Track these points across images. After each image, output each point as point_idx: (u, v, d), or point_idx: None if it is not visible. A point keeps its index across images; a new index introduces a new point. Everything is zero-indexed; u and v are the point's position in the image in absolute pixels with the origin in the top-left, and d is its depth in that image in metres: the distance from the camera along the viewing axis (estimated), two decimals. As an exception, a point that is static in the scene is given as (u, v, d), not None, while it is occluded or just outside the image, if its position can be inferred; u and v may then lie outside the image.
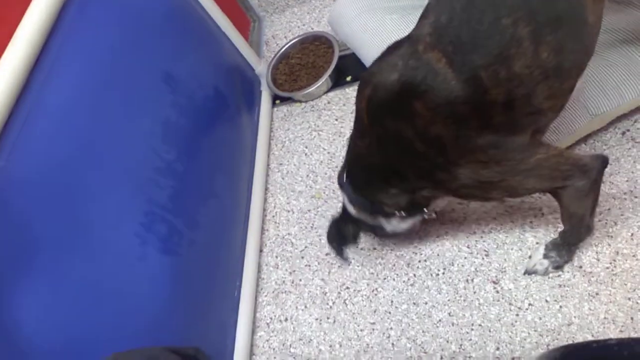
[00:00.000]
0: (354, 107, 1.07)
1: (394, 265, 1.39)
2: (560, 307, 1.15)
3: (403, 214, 1.15)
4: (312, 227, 1.59)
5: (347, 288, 1.41)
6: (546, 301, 1.17)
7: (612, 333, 1.08)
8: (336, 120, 1.80)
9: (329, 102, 1.88)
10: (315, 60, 1.99)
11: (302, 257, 1.54)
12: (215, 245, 1.45)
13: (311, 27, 2.19)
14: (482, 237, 1.32)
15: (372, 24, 1.57)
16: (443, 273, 1.31)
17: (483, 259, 1.29)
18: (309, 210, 1.63)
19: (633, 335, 1.06)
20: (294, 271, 1.53)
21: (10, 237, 0.90)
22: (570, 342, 1.10)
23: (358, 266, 1.44)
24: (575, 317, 1.13)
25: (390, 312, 1.32)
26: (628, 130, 1.30)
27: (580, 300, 1.14)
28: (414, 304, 1.30)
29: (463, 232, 1.35)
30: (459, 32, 0.82)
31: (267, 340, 1.43)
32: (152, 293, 1.15)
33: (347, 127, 1.74)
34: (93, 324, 1.00)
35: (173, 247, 1.24)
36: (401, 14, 1.55)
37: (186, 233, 1.31)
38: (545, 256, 1.18)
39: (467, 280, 1.28)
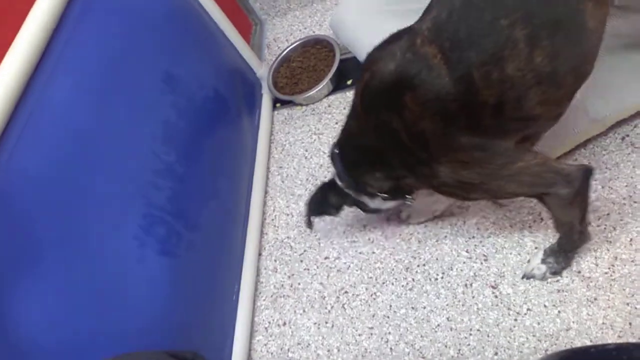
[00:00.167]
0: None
1: (393, 269, 1.39)
2: (559, 312, 1.14)
3: (386, 196, 1.17)
4: (311, 231, 1.58)
5: (346, 292, 1.41)
6: (545, 306, 1.16)
7: (611, 338, 1.07)
8: (336, 123, 1.80)
9: (329, 106, 1.89)
10: (316, 64, 2.00)
11: (301, 261, 1.54)
12: (215, 248, 1.45)
13: (313, 30, 2.19)
14: (481, 241, 1.31)
15: (373, 28, 1.56)
16: (442, 277, 1.31)
17: (482, 263, 1.28)
18: (308, 214, 1.63)
19: (631, 340, 1.05)
20: (293, 275, 1.52)
21: (10, 237, 0.90)
22: (569, 347, 1.10)
23: (357, 270, 1.44)
24: (573, 322, 1.12)
25: (388, 317, 1.32)
26: (628, 136, 1.29)
27: (579, 306, 1.13)
28: (413, 308, 1.30)
29: (462, 236, 1.35)
30: (457, 29, 0.82)
31: (265, 345, 1.43)
32: (150, 295, 1.15)
33: (347, 131, 1.74)
34: (91, 326, 1.00)
35: (172, 250, 1.24)
36: (403, 19, 1.54)
37: (185, 235, 1.31)
38: (543, 261, 1.17)
39: (465, 285, 1.27)
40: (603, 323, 1.09)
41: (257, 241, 1.62)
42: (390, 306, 1.33)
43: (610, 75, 1.26)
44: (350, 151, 1.15)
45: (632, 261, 1.13)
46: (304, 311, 1.44)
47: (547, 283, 1.18)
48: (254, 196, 1.71)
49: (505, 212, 1.32)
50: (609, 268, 1.15)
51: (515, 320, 1.17)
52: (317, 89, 1.88)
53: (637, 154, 1.26)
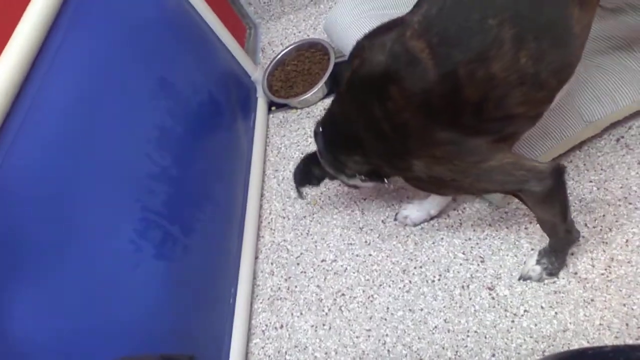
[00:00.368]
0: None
1: (390, 271, 1.39)
2: (556, 313, 1.15)
3: (363, 178, 1.20)
4: (307, 233, 1.58)
5: (343, 295, 1.41)
6: (542, 307, 1.17)
7: (608, 339, 1.08)
8: (332, 126, 1.80)
9: (324, 109, 1.87)
10: (311, 67, 2.00)
11: (298, 264, 1.54)
12: (211, 252, 1.45)
13: (307, 34, 2.20)
14: (477, 243, 1.32)
15: (367, 31, 1.58)
16: (439, 279, 1.31)
17: (478, 265, 1.29)
18: (304, 217, 1.63)
19: (628, 341, 1.06)
20: (290, 278, 1.52)
21: (4, 238, 0.89)
22: (566, 348, 1.10)
23: (354, 273, 1.43)
24: (570, 323, 1.13)
25: (386, 319, 1.32)
26: (622, 137, 1.30)
27: (576, 307, 1.14)
28: (410, 310, 1.30)
29: (458, 238, 1.35)
30: (446, 26, 0.83)
31: (263, 348, 1.42)
32: (146, 299, 1.15)
33: (343, 134, 1.74)
34: (87, 329, 0.99)
35: (168, 253, 1.24)
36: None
37: (181, 239, 1.30)
38: (538, 262, 1.18)
39: (462, 287, 1.27)
40: (600, 324, 1.10)
41: (253, 244, 1.61)
42: (388, 308, 1.33)
43: (604, 78, 1.27)
44: (331, 132, 1.18)
45: (629, 262, 1.14)
46: (301, 314, 1.43)
47: (544, 284, 1.19)
48: (250, 199, 1.70)
49: (502, 214, 1.32)
50: (605, 269, 1.15)
51: (513, 321, 1.18)
52: (312, 92, 1.88)
53: (631, 155, 1.27)
